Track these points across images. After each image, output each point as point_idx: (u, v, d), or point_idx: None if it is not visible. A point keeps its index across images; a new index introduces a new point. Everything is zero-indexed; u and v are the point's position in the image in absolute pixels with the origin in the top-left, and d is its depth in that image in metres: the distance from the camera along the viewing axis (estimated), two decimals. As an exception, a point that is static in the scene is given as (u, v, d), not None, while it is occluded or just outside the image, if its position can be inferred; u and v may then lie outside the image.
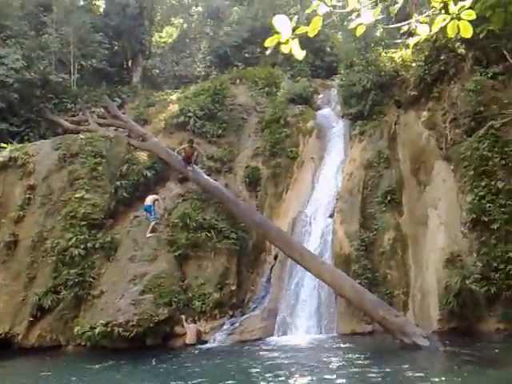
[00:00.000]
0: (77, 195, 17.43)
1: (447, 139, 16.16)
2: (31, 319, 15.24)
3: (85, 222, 16.71)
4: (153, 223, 16.96)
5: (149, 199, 17.34)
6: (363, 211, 16.70)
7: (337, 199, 17.43)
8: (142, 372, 11.98)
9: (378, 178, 17.46)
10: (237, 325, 14.89)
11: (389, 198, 16.78)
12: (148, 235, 16.73)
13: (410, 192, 16.88)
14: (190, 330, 14.63)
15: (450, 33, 3.98)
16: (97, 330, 13.80)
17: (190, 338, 14.52)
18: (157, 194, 18.03)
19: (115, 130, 22.72)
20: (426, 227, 15.55)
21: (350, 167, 18.37)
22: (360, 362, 11.18)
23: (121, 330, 13.71)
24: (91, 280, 15.55)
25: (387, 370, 10.40)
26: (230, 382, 10.06)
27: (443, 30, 4.06)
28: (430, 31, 4.14)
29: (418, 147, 17.24)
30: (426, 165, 16.69)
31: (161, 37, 35.04)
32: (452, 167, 15.77)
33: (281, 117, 21.07)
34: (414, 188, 16.80)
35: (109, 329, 13.77)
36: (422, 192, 16.37)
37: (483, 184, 14.25)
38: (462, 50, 16.67)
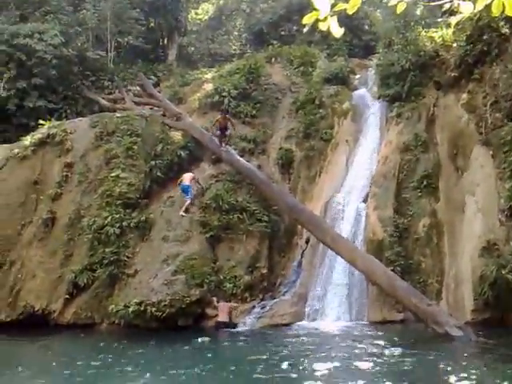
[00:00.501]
0: (113, 174, 17.68)
1: (487, 123, 15.64)
2: (67, 296, 15.65)
3: (120, 201, 16.95)
4: (188, 202, 17.05)
5: (187, 178, 17.32)
6: (398, 196, 16.42)
7: (371, 184, 17.17)
8: (173, 352, 12.19)
9: (415, 163, 17.10)
10: (267, 308, 14.97)
11: (425, 183, 16.45)
12: (182, 213, 16.86)
13: (447, 177, 16.50)
14: (222, 307, 14.75)
15: (495, 11, 3.74)
16: (130, 309, 14.09)
17: (222, 316, 14.62)
18: (192, 172, 18.08)
19: (151, 108, 22.85)
20: (463, 214, 15.18)
21: (385, 150, 18.04)
22: (390, 350, 11.03)
23: (154, 309, 13.97)
24: (126, 259, 15.84)
25: (418, 359, 10.30)
26: (259, 365, 10.15)
27: (488, 7, 3.84)
28: (474, 9, 3.91)
29: (456, 131, 16.78)
30: (464, 149, 16.23)
31: (197, 13, 34.87)
32: (491, 152, 15.29)
33: (316, 97, 20.77)
34: (451, 173, 16.41)
35: (142, 308, 14.04)
36: (460, 178, 15.96)
37: (523, 170, 13.81)
38: (506, 30, 15.97)
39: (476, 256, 14.03)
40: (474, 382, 8.43)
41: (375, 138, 19.09)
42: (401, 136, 17.95)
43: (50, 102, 22.69)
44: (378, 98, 20.41)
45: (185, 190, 17.19)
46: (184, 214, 16.84)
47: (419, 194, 16.39)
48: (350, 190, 17.61)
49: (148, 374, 9.83)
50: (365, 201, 16.86)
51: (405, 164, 17.15)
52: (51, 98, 22.90)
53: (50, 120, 20.17)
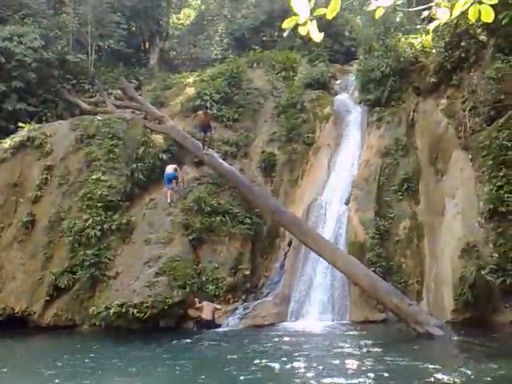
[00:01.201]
0: (93, 177, 17.60)
1: (466, 128, 15.94)
2: (47, 298, 15.49)
3: (101, 204, 16.85)
4: (170, 191, 17.36)
5: (170, 168, 17.67)
6: (379, 199, 16.64)
7: (352, 186, 17.35)
8: (155, 352, 12.12)
9: (395, 166, 17.35)
10: (250, 309, 14.98)
11: (405, 186, 16.71)
12: (169, 202, 17.17)
13: (427, 181, 16.76)
14: (206, 306, 14.70)
15: (472, 17, 3.89)
16: (112, 311, 13.99)
17: (206, 314, 14.54)
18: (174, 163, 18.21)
19: (132, 112, 22.77)
20: (443, 217, 15.42)
21: (366, 154, 18.26)
22: (372, 349, 11.18)
23: (135, 310, 13.88)
24: (107, 261, 15.74)
25: (399, 358, 10.39)
26: (238, 364, 10.18)
27: (464, 14, 3.97)
28: (451, 15, 4.05)
29: (436, 135, 17.06)
30: (444, 153, 16.50)
31: (178, 18, 34.90)
32: (470, 156, 15.57)
33: (297, 102, 20.95)
34: (431, 177, 16.67)
35: (123, 309, 13.94)
36: (440, 181, 16.22)
37: (502, 174, 14.04)
38: (483, 37, 16.35)
39: (456, 257, 14.25)
40: (454, 379, 8.55)
41: (356, 142, 19.31)
42: (382, 140, 18.20)
43: (29, 104, 22.44)
44: (359, 102, 20.65)
45: (171, 178, 17.49)
46: (172, 202, 17.16)
47: (400, 196, 16.62)
48: (332, 192, 17.77)
49: (128, 374, 9.86)
50: (347, 203, 17.02)
51: (386, 167, 17.38)
52: (31, 101, 22.64)
53: (29, 123, 19.98)
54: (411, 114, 18.45)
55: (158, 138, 19.76)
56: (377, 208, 16.37)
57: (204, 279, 15.40)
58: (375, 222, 15.91)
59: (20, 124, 19.93)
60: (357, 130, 19.75)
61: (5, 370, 10.67)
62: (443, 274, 14.50)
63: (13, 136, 19.27)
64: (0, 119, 21.81)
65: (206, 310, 14.63)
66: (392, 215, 16.25)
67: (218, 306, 15.05)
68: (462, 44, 16.66)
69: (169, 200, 17.24)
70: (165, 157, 18.79)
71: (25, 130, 19.40)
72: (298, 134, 20.05)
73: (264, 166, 19.52)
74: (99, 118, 20.45)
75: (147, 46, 30.77)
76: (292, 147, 19.72)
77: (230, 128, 20.66)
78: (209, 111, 18.44)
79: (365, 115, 19.81)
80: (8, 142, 18.88)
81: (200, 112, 18.22)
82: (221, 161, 18.21)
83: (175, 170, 17.72)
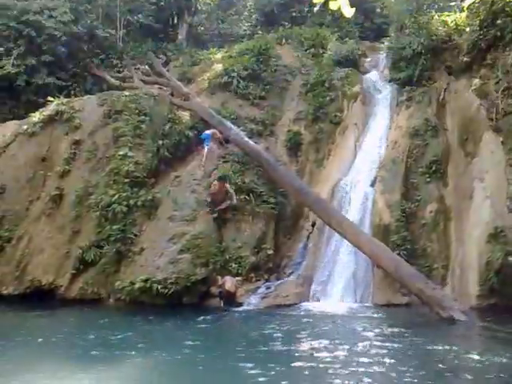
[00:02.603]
0: (120, 152, 17.65)
1: (498, 109, 15.52)
2: (74, 272, 15.71)
3: (127, 180, 16.93)
4: (206, 151, 17.75)
5: (208, 131, 18.25)
6: (406, 181, 16.38)
7: (379, 168, 17.11)
8: (176, 328, 12.36)
9: (424, 148, 17.04)
10: (272, 289, 15.03)
11: (434, 168, 16.42)
12: (202, 164, 17.53)
13: (456, 163, 16.44)
14: (228, 279, 14.79)
15: None
16: (136, 286, 14.18)
17: (229, 287, 14.66)
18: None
19: (159, 88, 22.74)
20: (471, 200, 15.13)
21: (394, 135, 17.96)
22: (393, 333, 11.18)
23: (159, 286, 14.03)
24: (132, 237, 15.84)
25: (421, 342, 10.40)
26: (257, 343, 10.34)
27: None
28: None
29: (467, 116, 16.67)
30: (474, 135, 16.14)
31: (207, -7, 34.43)
32: (501, 139, 15.19)
33: (326, 80, 20.60)
34: (460, 159, 16.34)
35: (148, 285, 14.11)
36: (469, 164, 15.89)
37: (533, 158, 13.70)
38: (519, 15, 15.81)
39: (483, 242, 14.01)
40: (476, 363, 8.50)
41: (385, 122, 19.00)
42: (410, 120, 17.86)
43: (58, 79, 22.61)
44: (389, 81, 20.30)
45: (204, 139, 18.01)
46: (203, 165, 17.45)
47: (427, 179, 16.34)
48: (358, 173, 17.55)
49: (151, 347, 10.15)
50: (372, 185, 16.81)
51: (414, 149, 17.08)
52: (60, 75, 22.81)
53: (58, 97, 20.14)
54: (442, 93, 18.06)
55: (185, 115, 19.73)
56: (403, 190, 16.12)
57: (227, 257, 15.44)
58: (401, 205, 15.68)
59: (49, 98, 20.09)
60: (385, 110, 19.42)
61: (40, 340, 11.02)
62: (469, 259, 14.29)
63: (42, 110, 19.48)
64: (29, 93, 22.07)
65: (228, 283, 14.74)
66: (419, 198, 15.99)
67: (239, 278, 15.11)
68: (498, 22, 16.13)
69: (203, 160, 17.52)
70: (190, 134, 18.77)
71: (54, 104, 19.53)
72: (325, 113, 19.77)
73: (290, 146, 19.32)
74: (126, 93, 20.48)
75: (175, 20, 30.47)
76: (318, 126, 19.47)
77: (257, 106, 20.46)
78: (227, 184, 16.45)
79: (394, 94, 19.48)
80: (37, 116, 19.09)
81: (217, 182, 16.51)
82: (246, 139, 18.10)
83: (212, 133, 18.17)
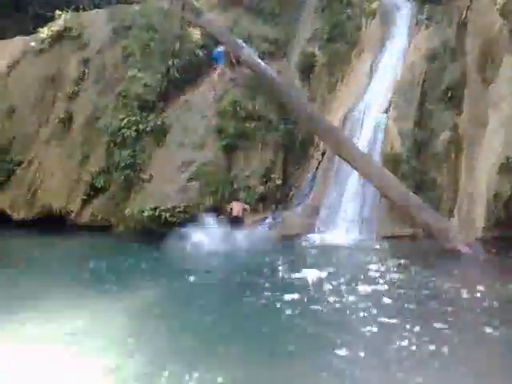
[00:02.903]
0: (129, 73, 17.31)
1: (522, 30, 14.64)
2: (84, 197, 16.00)
3: (136, 103, 16.74)
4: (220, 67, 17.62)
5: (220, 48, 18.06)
6: (420, 108, 15.84)
7: (394, 92, 16.54)
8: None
9: (441, 72, 16.28)
10: (279, 219, 15.21)
11: (450, 94, 15.79)
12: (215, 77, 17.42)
13: (472, 89, 15.73)
14: (235, 205, 15.01)
15: None
16: (145, 214, 14.43)
17: (236, 211, 14.90)
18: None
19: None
20: (485, 130, 14.68)
21: (412, 56, 17.16)
22: (397, 263, 11.30)
23: (168, 215, 14.27)
24: (141, 163, 15.93)
25: (425, 274, 10.46)
26: (261, 272, 10.51)
27: None
28: None
29: (488, 38, 15.71)
30: (494, 59, 15.29)
31: None
32: (521, 63, 14.46)
33: (344, -6, 19.50)
34: (477, 85, 15.60)
35: (157, 213, 14.35)
36: (486, 90, 15.23)
37: (553, 85, 13.08)
38: None
39: (493, 173, 13.71)
40: (478, 294, 8.64)
41: (403, 42, 18.03)
42: (429, 41, 17.00)
43: (65, -9, 21.79)
44: (409, -3, 19.11)
45: (216, 59, 17.84)
46: (214, 88, 17.31)
47: (442, 106, 15.80)
48: (373, 99, 16.96)
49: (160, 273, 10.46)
50: (386, 111, 16.34)
51: (431, 72, 16.39)
52: (67, -13, 21.95)
53: (66, 11, 19.47)
54: (464, 12, 16.99)
55: (195, 33, 18.98)
56: (417, 118, 15.67)
57: (236, 187, 15.52)
58: (413, 133, 15.33)
59: (57, 12, 19.45)
60: (404, 29, 18.39)
61: (49, 266, 11.43)
62: (478, 191, 14.10)
63: (50, 24, 18.94)
64: (37, 6, 21.43)
65: (236, 208, 14.94)
66: (432, 126, 15.58)
67: (247, 206, 15.29)
68: None
69: (215, 82, 17.38)
70: (201, 53, 18.20)
71: (62, 19, 19.00)
72: (342, 32, 18.83)
73: (302, 68, 18.65)
74: (136, 7, 19.72)
75: None
76: (334, 47, 18.61)
77: (271, 22, 19.61)
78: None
79: (414, 12, 18.37)
80: (45, 32, 18.63)
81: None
82: (259, 60, 17.49)
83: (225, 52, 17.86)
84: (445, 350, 6.11)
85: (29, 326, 6.98)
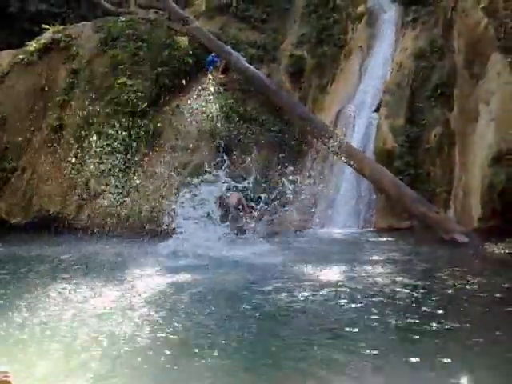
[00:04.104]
0: (119, 81, 17.40)
1: (507, 28, 14.95)
2: (81, 201, 15.95)
3: (127, 110, 16.79)
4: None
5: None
6: (411, 105, 16.06)
7: (384, 92, 16.77)
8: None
9: (430, 70, 16.57)
10: (276, 216, 15.17)
11: (439, 91, 16.03)
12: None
13: (462, 86, 16.02)
14: (232, 196, 14.88)
15: None
16: (143, 214, 14.41)
17: (234, 202, 14.75)
18: None
19: (155, 12, 21.99)
20: (476, 124, 14.90)
21: (400, 57, 17.44)
22: (394, 254, 11.33)
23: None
24: (135, 167, 15.91)
25: (423, 264, 10.50)
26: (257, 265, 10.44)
27: None
28: None
29: (474, 37, 16.04)
30: (481, 56, 15.59)
31: None
32: (509, 59, 14.72)
33: (330, 0, 19.80)
34: (466, 82, 15.89)
35: (154, 214, 14.30)
36: (475, 86, 15.48)
37: (541, 78, 13.35)
38: None
39: (486, 165, 13.90)
40: (476, 284, 8.63)
41: (390, 44, 18.37)
42: (416, 42, 17.31)
43: (52, 5, 21.94)
44: (394, 0, 19.46)
45: (210, 63, 18.15)
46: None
47: (433, 103, 16.03)
48: (363, 98, 17.23)
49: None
50: (377, 110, 16.56)
51: (420, 71, 16.64)
52: (54, 2, 22.10)
53: (53, 25, 19.58)
54: (449, 13, 17.34)
55: (183, 41, 19.18)
56: (408, 115, 15.87)
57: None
58: (405, 130, 15.51)
59: (44, 26, 19.54)
60: (391, 31, 18.71)
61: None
62: (472, 183, 14.27)
63: (38, 38, 19.02)
64: (24, 21, 21.46)
65: (233, 198, 14.79)
66: (423, 122, 15.76)
67: (243, 197, 15.11)
68: None
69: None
70: (190, 60, 18.34)
71: (49, 32, 19.11)
72: (329, 36, 19.12)
73: (292, 71, 18.86)
74: (122, 19, 19.89)
75: None
76: (322, 50, 18.88)
77: (258, 29, 19.88)
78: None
79: (400, 14, 18.72)
80: (33, 45, 18.70)
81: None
82: (248, 65, 17.67)
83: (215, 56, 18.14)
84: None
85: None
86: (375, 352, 5.20)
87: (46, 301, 7.40)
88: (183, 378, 4.80)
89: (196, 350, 5.31)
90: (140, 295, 7.84)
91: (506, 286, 8.33)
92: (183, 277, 9.22)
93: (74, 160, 16.37)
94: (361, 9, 19.58)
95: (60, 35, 18.74)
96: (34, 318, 6.53)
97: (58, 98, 17.51)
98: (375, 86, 17.38)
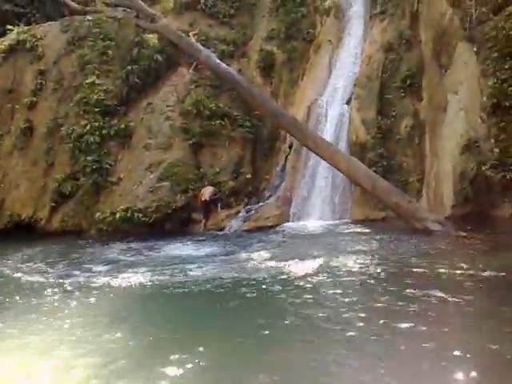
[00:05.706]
0: (88, 80, 17.15)
1: (472, 18, 15.20)
2: (53, 204, 15.72)
3: (98, 109, 16.57)
4: None
5: None
6: (381, 97, 16.26)
7: (354, 85, 16.90)
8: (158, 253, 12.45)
9: (399, 62, 16.78)
10: (252, 212, 15.21)
11: (408, 82, 16.24)
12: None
13: (430, 76, 16.26)
14: (206, 190, 14.87)
15: None
16: (117, 215, 14.27)
17: (205, 196, 14.72)
18: None
19: (123, 10, 21.69)
20: (445, 113, 15.14)
21: (369, 50, 17.61)
22: (370, 244, 11.51)
23: (140, 215, 14.14)
24: (108, 167, 15.78)
25: (399, 252, 10.69)
26: (237, 260, 10.50)
27: None
28: None
29: (440, 27, 16.29)
30: (448, 47, 15.85)
31: None
32: (475, 49, 14.96)
33: (297, -6, 19.85)
34: (434, 72, 16.15)
35: (129, 214, 14.21)
36: (443, 76, 15.74)
37: (507, 66, 13.51)
38: None
39: (457, 154, 14.17)
40: (452, 270, 8.80)
41: (359, 37, 18.54)
42: (385, 34, 17.48)
43: (16, 5, 21.45)
44: (361, -7, 19.60)
45: None
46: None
47: (402, 94, 16.23)
48: (334, 92, 17.35)
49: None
50: (348, 103, 16.68)
51: (389, 63, 16.82)
52: (17, 1, 21.62)
53: (18, 25, 19.19)
54: (415, 4, 17.56)
55: (152, 38, 18.97)
56: (379, 107, 16.05)
57: (206, 183, 15.48)
58: (377, 122, 15.68)
59: (9, 27, 19.13)
60: (359, 24, 18.89)
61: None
62: (444, 171, 14.51)
63: (2, 39, 18.62)
64: (-14, 22, 20.93)
65: (206, 193, 14.81)
66: (394, 113, 15.96)
67: (217, 190, 15.11)
68: None
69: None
70: (160, 58, 18.17)
71: (14, 33, 18.71)
72: (298, 31, 19.18)
73: (262, 66, 18.87)
74: (89, 17, 19.57)
75: None
76: (291, 45, 18.93)
77: (226, 25, 19.78)
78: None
79: (368, 7, 18.88)
80: (-2, 46, 18.26)
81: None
82: (218, 61, 17.57)
83: None
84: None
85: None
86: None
87: None
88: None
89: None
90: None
91: (471, 272, 8.53)
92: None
93: (44, 162, 16.15)
94: (329, 2, 19.67)
95: (26, 36, 18.35)
96: None
97: (25, 100, 17.15)
98: (346, 79, 17.50)
